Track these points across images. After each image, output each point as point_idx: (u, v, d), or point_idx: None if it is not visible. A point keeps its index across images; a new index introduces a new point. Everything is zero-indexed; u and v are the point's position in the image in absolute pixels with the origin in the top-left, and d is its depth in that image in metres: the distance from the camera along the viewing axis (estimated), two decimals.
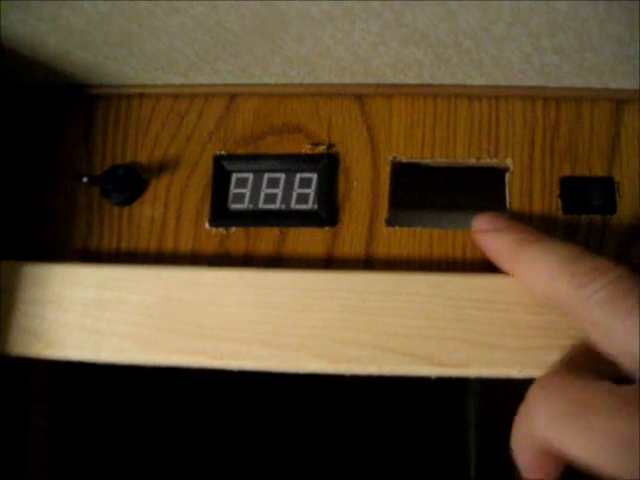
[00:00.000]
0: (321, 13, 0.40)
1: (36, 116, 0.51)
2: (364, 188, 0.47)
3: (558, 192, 0.46)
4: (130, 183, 0.48)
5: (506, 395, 0.85)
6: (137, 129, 0.50)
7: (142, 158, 0.49)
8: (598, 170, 0.46)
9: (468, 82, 0.47)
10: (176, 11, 0.40)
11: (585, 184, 0.46)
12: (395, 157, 0.48)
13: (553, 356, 0.42)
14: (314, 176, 0.47)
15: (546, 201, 0.46)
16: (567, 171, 0.46)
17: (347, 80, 0.48)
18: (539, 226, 0.46)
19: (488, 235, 0.42)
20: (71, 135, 0.50)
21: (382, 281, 0.43)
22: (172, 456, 0.78)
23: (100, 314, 0.44)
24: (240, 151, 0.49)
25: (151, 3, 0.40)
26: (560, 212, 0.46)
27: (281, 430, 0.81)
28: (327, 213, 0.47)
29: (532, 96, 0.47)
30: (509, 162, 0.47)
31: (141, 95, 0.50)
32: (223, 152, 0.49)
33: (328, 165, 0.47)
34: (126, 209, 0.49)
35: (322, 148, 0.48)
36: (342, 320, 0.43)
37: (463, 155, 0.47)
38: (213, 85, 0.49)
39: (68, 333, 0.44)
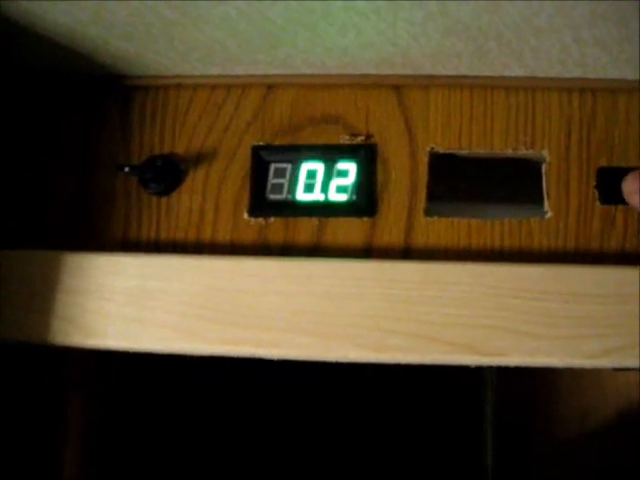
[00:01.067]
0: (366, 4, 0.40)
1: (73, 106, 0.51)
2: (402, 178, 0.48)
3: (594, 183, 0.47)
4: (168, 173, 0.48)
5: (521, 388, 0.86)
6: (174, 120, 0.50)
7: (179, 149, 0.49)
8: (634, 161, 0.46)
9: (506, 73, 0.47)
10: (221, 1, 0.40)
11: (621, 175, 0.46)
12: (433, 148, 0.48)
13: (590, 345, 0.42)
14: (353, 166, 0.48)
15: (583, 192, 0.47)
16: (603, 162, 0.47)
17: (385, 71, 0.48)
18: (575, 216, 0.46)
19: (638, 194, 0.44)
20: (108, 125, 0.50)
21: (423, 270, 0.43)
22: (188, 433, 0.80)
23: (142, 303, 0.44)
24: (278, 142, 0.49)
25: None
26: (597, 202, 0.46)
27: (310, 417, 0.82)
28: (366, 203, 0.47)
29: (569, 88, 0.48)
30: (546, 153, 0.47)
31: (178, 86, 0.50)
32: (261, 143, 0.49)
33: (366, 155, 0.48)
34: (164, 199, 0.49)
35: (360, 139, 0.48)
36: (383, 309, 0.43)
37: (500, 146, 0.48)
38: (250, 76, 0.49)
39: (110, 322, 0.44)
